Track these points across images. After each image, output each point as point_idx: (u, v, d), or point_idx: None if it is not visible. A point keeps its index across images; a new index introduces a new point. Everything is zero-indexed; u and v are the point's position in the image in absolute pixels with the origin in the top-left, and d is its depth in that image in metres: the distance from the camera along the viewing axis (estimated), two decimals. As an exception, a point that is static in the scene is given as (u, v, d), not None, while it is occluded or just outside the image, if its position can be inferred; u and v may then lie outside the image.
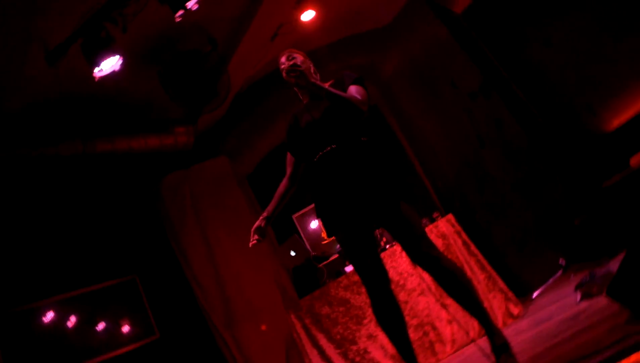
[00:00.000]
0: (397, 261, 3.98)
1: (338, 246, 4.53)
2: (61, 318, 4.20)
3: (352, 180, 2.38)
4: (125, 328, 4.41)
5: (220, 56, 4.46)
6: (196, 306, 4.52)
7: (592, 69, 4.87)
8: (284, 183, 2.73)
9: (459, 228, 4.13)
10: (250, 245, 2.59)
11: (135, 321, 4.49)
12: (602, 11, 4.75)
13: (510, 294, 3.90)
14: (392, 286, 2.49)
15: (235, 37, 4.56)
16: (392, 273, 3.91)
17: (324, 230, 5.16)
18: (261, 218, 2.64)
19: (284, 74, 2.52)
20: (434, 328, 3.72)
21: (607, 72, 4.75)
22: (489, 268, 4.01)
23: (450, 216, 4.20)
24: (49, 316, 4.18)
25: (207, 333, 4.46)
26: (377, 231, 4.04)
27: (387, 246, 4.11)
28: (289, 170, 2.73)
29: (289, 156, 2.73)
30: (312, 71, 2.67)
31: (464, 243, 4.08)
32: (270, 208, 2.69)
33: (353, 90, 2.48)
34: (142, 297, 4.61)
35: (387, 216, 2.41)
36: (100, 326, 4.33)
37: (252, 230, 2.61)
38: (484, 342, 2.50)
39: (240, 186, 5.15)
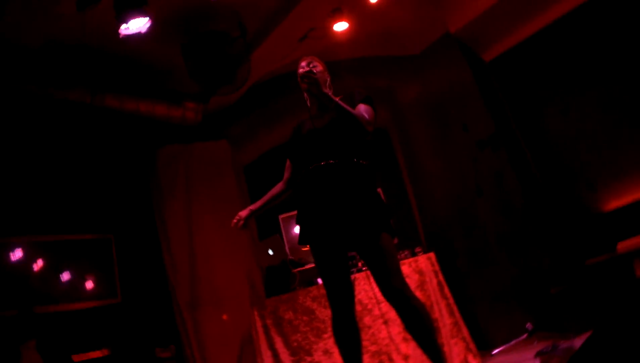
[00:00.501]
0: (371, 284, 3.98)
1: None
2: (28, 259, 4.17)
3: (340, 200, 2.38)
4: (89, 285, 4.39)
5: (246, 44, 4.48)
6: (164, 279, 4.50)
7: (602, 148, 4.96)
8: (279, 185, 2.76)
9: (437, 267, 4.14)
10: (232, 224, 2.64)
11: (100, 280, 4.47)
12: (622, 98, 4.86)
13: (472, 345, 3.90)
14: (360, 309, 2.50)
15: (266, 29, 4.59)
16: (363, 296, 3.92)
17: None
18: (248, 208, 2.69)
19: (298, 78, 2.55)
20: (391, 359, 3.72)
21: (616, 155, 4.83)
22: (457, 314, 4.02)
23: (431, 255, 4.22)
24: (17, 254, 4.15)
25: (169, 309, 4.44)
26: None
27: (364, 268, 4.11)
28: (286, 174, 2.76)
29: (288, 161, 2.76)
30: (327, 83, 2.66)
31: (439, 283, 4.09)
32: (259, 203, 2.73)
33: (362, 108, 2.49)
34: (113, 258, 4.59)
35: (365, 244, 2.42)
36: (65, 276, 4.30)
37: (237, 216, 2.66)
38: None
39: (235, 175, 5.15)
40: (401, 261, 4.11)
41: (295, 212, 5.22)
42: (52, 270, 4.25)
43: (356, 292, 3.82)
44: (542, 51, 5.66)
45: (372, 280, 3.97)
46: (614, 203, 4.88)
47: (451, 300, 4.04)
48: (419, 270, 4.10)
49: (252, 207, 2.70)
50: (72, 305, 4.21)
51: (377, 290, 3.92)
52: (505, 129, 5.27)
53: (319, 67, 2.67)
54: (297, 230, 5.19)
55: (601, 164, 5.04)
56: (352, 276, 2.57)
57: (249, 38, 4.53)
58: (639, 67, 4.72)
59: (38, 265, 4.21)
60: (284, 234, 5.13)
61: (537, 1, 5.32)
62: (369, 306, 3.88)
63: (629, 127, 4.86)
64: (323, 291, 3.96)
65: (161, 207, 4.79)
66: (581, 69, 5.31)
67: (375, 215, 2.39)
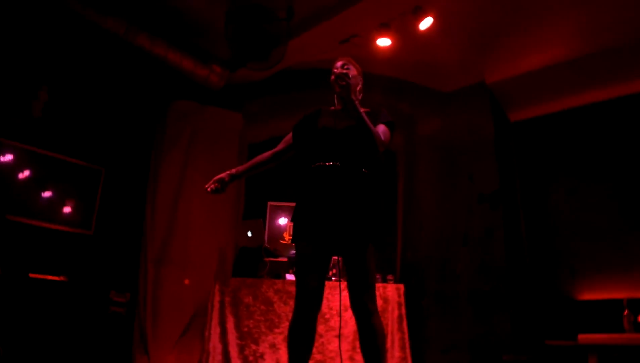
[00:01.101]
0: (334, 295, 4.00)
1: (292, 252, 4.54)
2: (16, 166, 4.16)
3: (340, 204, 2.38)
4: (67, 209, 4.38)
5: (289, 28, 4.49)
6: (140, 227, 4.49)
7: (594, 240, 5.05)
8: (267, 154, 2.73)
9: (402, 300, 4.16)
10: (206, 187, 2.60)
11: (78, 208, 4.46)
12: (628, 201, 4.96)
13: (412, 383, 3.93)
14: (321, 314, 2.50)
15: (312, 20, 4.60)
16: (324, 305, 3.92)
17: (289, 233, 5.19)
18: (227, 172, 2.65)
19: (332, 77, 2.55)
20: (331, 372, 3.74)
21: (604, 251, 4.93)
22: (407, 350, 4.05)
23: (401, 286, 4.24)
24: (7, 157, 4.14)
25: (136, 256, 4.43)
26: (333, 259, 4.07)
27: (333, 278, 4.13)
28: (279, 146, 2.74)
29: (289, 136, 2.74)
30: (358, 88, 2.68)
31: (400, 316, 4.12)
32: (240, 168, 2.70)
33: (381, 129, 2.51)
34: (98, 191, 4.58)
35: (353, 252, 2.42)
36: (47, 194, 4.29)
37: (214, 178, 2.63)
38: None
39: (239, 149, 5.15)
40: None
41: (285, 204, 5.30)
42: (35, 184, 4.24)
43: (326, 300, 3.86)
44: (567, 130, 5.74)
45: (336, 291, 4.01)
46: (588, 295, 4.96)
47: (406, 336, 4.07)
48: (385, 297, 4.13)
49: (232, 171, 2.66)
50: (45, 223, 4.20)
51: (337, 302, 3.97)
52: (509, 191, 5.32)
53: (353, 71, 2.68)
54: (282, 221, 5.25)
55: (588, 254, 5.12)
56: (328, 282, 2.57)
57: (293, 23, 4.53)
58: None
59: (24, 174, 4.20)
60: (267, 221, 5.14)
61: (575, 82, 5.39)
62: (327, 316, 3.89)
63: (625, 230, 4.96)
64: (287, 287, 3.98)
65: (159, 158, 4.79)
66: (598, 159, 5.40)
67: (370, 226, 2.40)
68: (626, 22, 4.44)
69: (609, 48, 4.77)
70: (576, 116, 5.72)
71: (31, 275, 3.89)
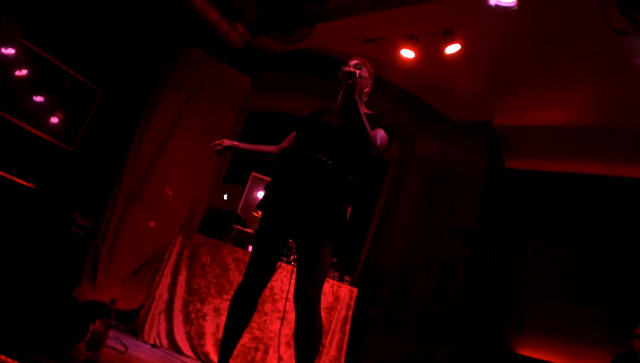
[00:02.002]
0: (287, 279, 4.02)
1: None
2: (16, 62, 4.08)
3: (312, 197, 2.40)
4: (54, 120, 4.31)
5: (320, 12, 4.48)
6: (121, 159, 4.44)
7: (550, 302, 5.21)
8: (273, 147, 2.77)
9: (352, 304, 4.19)
10: (212, 143, 2.67)
11: (66, 122, 4.39)
12: (591, 278, 5.14)
13: (338, 385, 3.97)
14: (268, 294, 2.53)
15: (346, 11, 4.59)
16: (277, 285, 3.95)
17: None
18: (234, 142, 2.70)
19: (340, 74, 2.54)
20: (266, 351, 3.77)
21: (557, 317, 5.10)
22: (343, 353, 4.08)
23: (355, 290, 4.27)
24: (9, 50, 4.05)
25: (109, 186, 4.38)
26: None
27: (294, 263, 4.15)
28: (284, 143, 2.77)
29: (292, 134, 2.77)
30: (364, 90, 2.68)
31: (345, 318, 4.15)
32: (246, 146, 2.74)
33: (379, 133, 2.50)
34: (90, 112, 4.51)
35: (307, 245, 2.44)
36: (39, 98, 4.22)
37: (223, 140, 2.69)
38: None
39: (239, 113, 5.13)
40: (327, 278, 4.16)
41: (268, 178, 5.30)
42: (30, 85, 4.16)
43: (274, 278, 3.88)
44: (554, 192, 5.87)
45: (293, 276, 4.03)
46: (528, 352, 5.11)
47: (346, 338, 4.11)
48: (337, 295, 4.16)
49: (238, 144, 2.71)
50: (29, 127, 4.12)
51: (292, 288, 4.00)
52: (483, 232, 5.41)
53: (364, 73, 2.67)
54: (260, 194, 5.24)
55: (538, 314, 5.27)
56: (279, 263, 2.58)
57: (326, 8, 4.52)
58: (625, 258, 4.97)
59: (21, 72, 4.12)
60: (246, 190, 5.13)
61: (575, 149, 5.50)
62: (277, 297, 3.92)
63: (576, 302, 5.12)
64: (247, 258, 3.99)
65: (158, 98, 4.74)
66: (574, 229, 5.55)
67: (330, 228, 2.42)
68: (630, 109, 4.54)
69: (611, 128, 4.88)
70: (566, 181, 5.85)
71: (0, 172, 3.84)
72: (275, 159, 2.77)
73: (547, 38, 3.88)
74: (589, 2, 2.75)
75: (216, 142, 2.69)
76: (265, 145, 2.79)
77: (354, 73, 2.51)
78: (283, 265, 4.00)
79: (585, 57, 4.01)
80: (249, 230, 4.59)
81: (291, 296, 3.87)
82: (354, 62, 2.70)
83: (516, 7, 2.89)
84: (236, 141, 2.77)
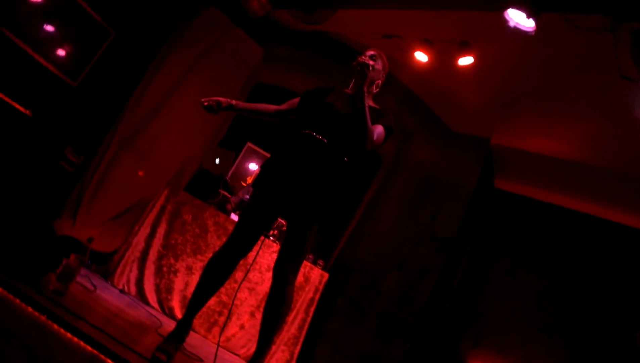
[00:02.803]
0: (264, 253, 4.09)
1: (247, 196, 4.60)
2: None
3: (308, 175, 2.45)
4: (61, 52, 4.28)
5: (342, -2, 4.48)
6: (122, 103, 4.42)
7: (511, 326, 5.38)
8: (271, 107, 2.77)
9: (321, 288, 4.29)
10: (203, 101, 2.66)
11: (73, 57, 4.36)
12: (558, 304, 5.25)
13: (293, 362, 4.07)
14: (241, 263, 2.59)
15: (368, 2, 4.58)
16: (254, 256, 3.98)
17: (252, 179, 5.24)
18: (228, 100, 2.69)
19: (354, 61, 2.58)
20: (229, 318, 3.84)
21: (514, 341, 5.27)
22: (303, 333, 4.18)
23: (326, 275, 4.36)
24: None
25: (104, 130, 4.37)
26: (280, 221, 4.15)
27: (271, 238, 4.21)
28: (284, 106, 2.78)
29: (296, 100, 2.77)
30: (375, 82, 2.71)
31: (312, 300, 4.25)
32: (241, 104, 2.75)
33: (378, 129, 2.55)
34: (98, 52, 4.49)
35: (297, 222, 2.52)
36: (49, 28, 4.18)
37: (214, 98, 2.67)
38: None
39: (246, 81, 5.13)
40: (302, 259, 4.23)
41: (263, 152, 5.34)
42: (43, 13, 4.13)
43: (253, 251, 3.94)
44: (537, 220, 5.99)
45: (270, 249, 4.10)
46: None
47: (309, 319, 4.21)
48: (307, 277, 4.24)
49: (236, 103, 2.70)
50: (35, 54, 4.10)
51: (265, 260, 4.07)
52: (460, 244, 5.51)
53: (378, 65, 2.71)
54: (252, 166, 5.29)
55: (497, 334, 5.41)
56: (262, 237, 2.63)
57: (350, -5, 4.52)
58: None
59: (37, -1, 4.09)
60: (239, 158, 5.16)
61: (567, 182, 5.59)
62: (256, 267, 3.98)
63: (535, 330, 5.27)
64: (227, 224, 4.04)
65: (168, 53, 4.70)
66: (547, 259, 5.68)
67: (321, 208, 2.48)
68: (626, 154, 4.63)
69: (604, 169, 4.96)
70: (550, 212, 5.97)
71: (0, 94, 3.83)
72: (271, 118, 2.78)
73: (557, 69, 3.94)
74: (604, 43, 2.81)
75: (208, 99, 2.67)
76: (263, 104, 2.78)
77: (368, 65, 2.55)
78: (267, 241, 4.05)
79: (591, 95, 4.08)
80: (234, 198, 4.64)
81: (256, 265, 3.96)
82: (370, 52, 2.73)
83: (533, 34, 2.94)
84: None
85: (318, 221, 2.48)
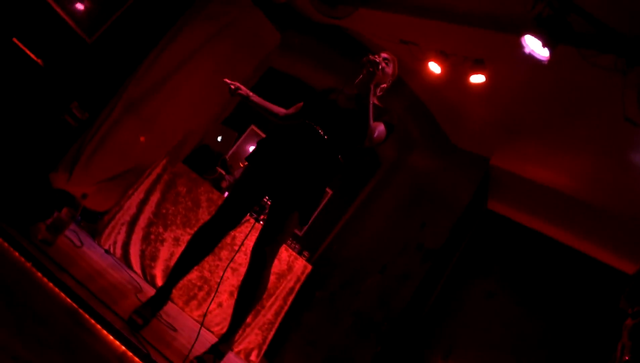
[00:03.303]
0: (253, 235, 4.09)
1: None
2: None
3: (299, 163, 2.50)
4: (80, 6, 4.26)
5: (368, -3, 4.50)
6: (133, 67, 4.42)
7: (482, 346, 5.46)
8: (281, 109, 2.85)
9: (302, 279, 4.33)
10: (228, 80, 2.71)
11: (91, 13, 4.34)
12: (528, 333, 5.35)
13: (264, 347, 4.13)
14: (229, 241, 2.65)
15: (390, 6, 4.60)
16: (240, 237, 4.01)
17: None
18: (249, 91, 2.73)
19: (365, 59, 2.61)
20: (208, 293, 3.89)
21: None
22: (278, 320, 4.22)
23: (309, 267, 4.41)
24: None
25: (112, 90, 4.38)
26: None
27: (262, 222, 4.25)
28: (290, 111, 2.84)
29: (300, 104, 2.83)
30: (380, 85, 2.73)
31: (291, 289, 4.29)
32: (256, 98, 2.78)
33: (379, 127, 2.58)
34: (119, 11, 4.47)
35: (280, 205, 2.57)
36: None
37: (240, 85, 2.72)
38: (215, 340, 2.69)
39: (258, 64, 5.13)
40: (287, 246, 4.28)
41: (264, 136, 5.36)
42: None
43: (238, 230, 3.98)
44: (524, 246, 6.05)
45: (255, 231, 4.13)
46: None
47: (286, 308, 4.25)
48: (291, 265, 4.29)
49: (252, 95, 2.75)
50: (53, 3, 4.09)
51: (252, 241, 4.11)
52: (444, 258, 5.58)
53: (388, 70, 2.74)
54: (252, 148, 5.31)
55: (468, 352, 5.51)
56: (248, 215, 2.68)
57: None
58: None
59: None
60: (240, 140, 5.20)
61: (558, 213, 5.65)
62: (236, 248, 4.02)
63: (509, 352, 5.36)
64: (219, 202, 4.07)
65: (186, 23, 4.69)
66: (528, 286, 5.76)
67: (304, 197, 2.53)
68: (622, 195, 4.69)
69: (598, 206, 5.03)
70: (537, 241, 6.03)
71: (15, 40, 3.83)
72: (277, 120, 2.85)
73: (564, 100, 3.99)
74: (613, 82, 2.86)
75: (234, 82, 2.72)
76: (275, 105, 2.87)
77: (378, 64, 2.58)
78: (252, 221, 4.09)
79: (594, 132, 4.13)
80: (230, 177, 4.68)
81: (243, 247, 4.00)
82: (384, 55, 2.76)
83: (546, 63, 2.99)
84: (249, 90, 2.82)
85: (298, 208, 2.53)
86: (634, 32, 2.86)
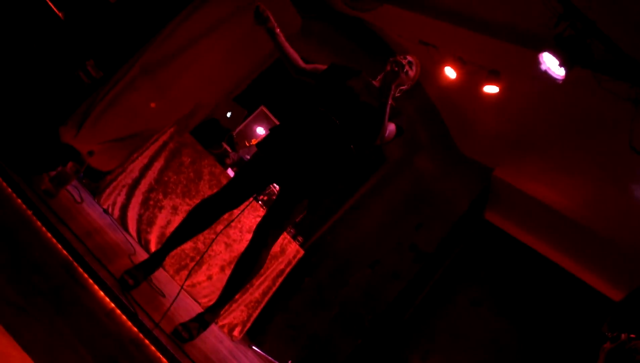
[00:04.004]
0: (255, 219, 4.14)
1: (247, 156, 4.67)
2: None
3: (311, 151, 2.51)
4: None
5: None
6: (155, 32, 4.42)
7: (458, 351, 5.53)
8: (300, 61, 2.76)
9: (294, 263, 4.37)
10: (260, 5, 2.58)
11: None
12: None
13: (248, 324, 4.18)
14: (225, 217, 2.69)
15: (415, 6, 4.59)
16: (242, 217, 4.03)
17: (258, 138, 5.28)
18: (276, 25, 2.64)
19: (392, 58, 2.65)
20: (200, 264, 3.93)
21: None
22: (265, 299, 4.27)
23: (302, 252, 4.44)
24: None
25: (130, 52, 4.39)
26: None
27: (263, 207, 4.28)
28: (308, 67, 2.77)
29: (321, 66, 2.79)
30: (402, 86, 2.74)
31: (281, 272, 4.33)
32: (282, 38, 2.68)
33: (391, 126, 2.63)
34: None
35: (289, 192, 2.60)
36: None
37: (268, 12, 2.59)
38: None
39: (271, 51, 5.13)
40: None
41: (273, 117, 5.39)
42: None
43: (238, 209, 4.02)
44: (516, 260, 6.10)
45: (256, 213, 4.18)
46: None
47: (274, 289, 4.28)
48: (284, 248, 4.33)
49: (278, 30, 2.64)
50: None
51: (249, 221, 4.16)
52: (436, 261, 5.64)
53: (411, 72, 2.74)
54: (260, 130, 5.35)
55: (447, 356, 5.59)
56: (252, 198, 2.70)
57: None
58: None
59: None
60: (249, 119, 5.22)
61: (555, 233, 5.69)
62: (233, 224, 4.06)
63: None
64: (221, 177, 4.11)
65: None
66: (514, 300, 5.82)
67: (317, 186, 2.57)
68: (620, 223, 4.72)
69: (594, 231, 5.06)
70: (529, 256, 6.07)
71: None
72: (292, 69, 2.76)
73: (574, 122, 4.02)
74: (624, 111, 2.89)
75: (266, 9, 2.59)
76: (296, 54, 2.76)
77: (403, 65, 2.61)
78: (254, 204, 4.13)
79: (600, 157, 4.16)
80: (234, 154, 4.72)
81: (238, 224, 4.04)
82: (409, 58, 2.75)
83: (561, 82, 3.01)
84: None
85: (309, 196, 2.56)
86: (652, 63, 2.88)
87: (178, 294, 2.52)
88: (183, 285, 2.81)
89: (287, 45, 2.72)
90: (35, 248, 2.10)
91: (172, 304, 2.40)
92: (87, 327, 1.85)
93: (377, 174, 5.85)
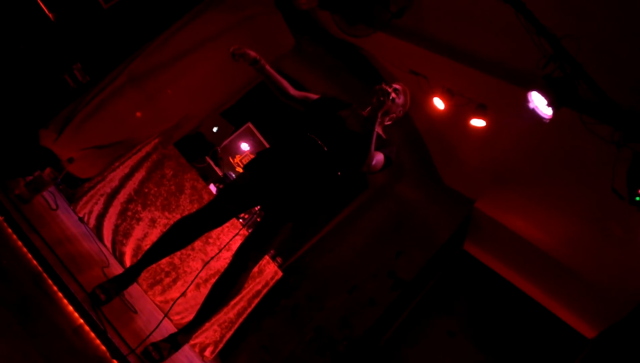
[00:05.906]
0: (231, 232, 4.05)
1: (232, 175, 4.62)
2: None
3: (297, 176, 2.51)
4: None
5: (389, 23, 4.54)
6: (147, 39, 4.38)
7: None
8: (290, 88, 2.72)
9: (271, 284, 4.30)
10: (231, 49, 2.56)
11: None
12: None
13: (220, 345, 4.08)
14: (207, 235, 2.64)
15: (408, 35, 4.64)
16: (218, 230, 3.93)
17: (240, 159, 5.24)
18: (259, 56, 2.60)
19: (378, 87, 2.64)
20: (175, 281, 3.83)
21: None
22: (240, 320, 4.17)
23: (280, 274, 4.37)
24: None
25: (118, 59, 4.34)
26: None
27: (240, 220, 4.23)
28: (299, 94, 2.75)
29: (312, 95, 2.78)
30: (390, 115, 2.75)
31: (258, 292, 4.24)
32: (268, 69, 2.65)
33: (379, 156, 2.62)
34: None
35: (273, 215, 2.57)
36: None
37: (247, 49, 2.57)
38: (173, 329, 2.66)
39: (270, 65, 5.12)
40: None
41: (260, 137, 5.37)
42: None
43: (220, 228, 3.93)
44: (492, 292, 6.12)
45: (235, 231, 4.10)
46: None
47: (249, 310, 4.19)
48: (262, 269, 4.25)
49: (262, 61, 2.61)
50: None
51: (231, 243, 4.07)
52: (413, 291, 5.61)
53: (398, 100, 2.74)
54: (244, 146, 5.31)
55: None
56: (234, 219, 2.66)
57: (394, 22, 4.58)
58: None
59: None
60: (234, 135, 5.18)
61: (530, 267, 5.73)
62: (210, 240, 3.97)
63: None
64: (203, 193, 4.04)
65: (204, 10, 4.66)
66: (494, 336, 5.82)
67: (303, 211, 2.54)
68: (599, 263, 4.77)
69: (571, 269, 5.10)
70: (506, 290, 6.10)
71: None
72: (282, 97, 2.74)
73: (558, 160, 4.07)
74: (607, 153, 2.94)
75: (241, 47, 2.57)
76: (285, 81, 2.74)
77: (389, 94, 2.61)
78: (235, 223, 4.06)
79: (581, 196, 4.21)
80: (218, 170, 4.66)
81: (217, 241, 3.96)
82: (396, 86, 2.77)
83: (547, 122, 3.06)
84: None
85: (294, 220, 2.53)
86: (633, 108, 2.94)
87: (160, 322, 2.44)
88: (167, 313, 2.74)
89: (274, 74, 2.69)
90: (3, 255, 2.01)
91: (151, 333, 2.30)
92: (52, 343, 1.76)
93: (359, 199, 5.84)
